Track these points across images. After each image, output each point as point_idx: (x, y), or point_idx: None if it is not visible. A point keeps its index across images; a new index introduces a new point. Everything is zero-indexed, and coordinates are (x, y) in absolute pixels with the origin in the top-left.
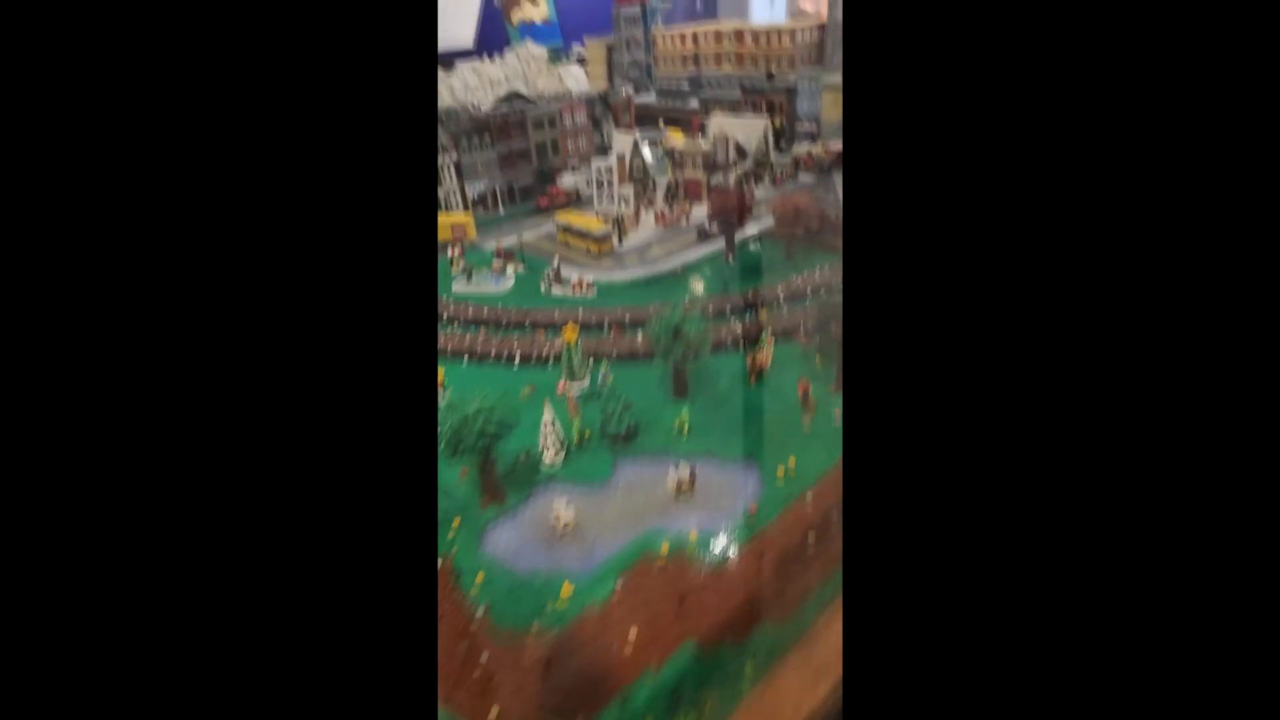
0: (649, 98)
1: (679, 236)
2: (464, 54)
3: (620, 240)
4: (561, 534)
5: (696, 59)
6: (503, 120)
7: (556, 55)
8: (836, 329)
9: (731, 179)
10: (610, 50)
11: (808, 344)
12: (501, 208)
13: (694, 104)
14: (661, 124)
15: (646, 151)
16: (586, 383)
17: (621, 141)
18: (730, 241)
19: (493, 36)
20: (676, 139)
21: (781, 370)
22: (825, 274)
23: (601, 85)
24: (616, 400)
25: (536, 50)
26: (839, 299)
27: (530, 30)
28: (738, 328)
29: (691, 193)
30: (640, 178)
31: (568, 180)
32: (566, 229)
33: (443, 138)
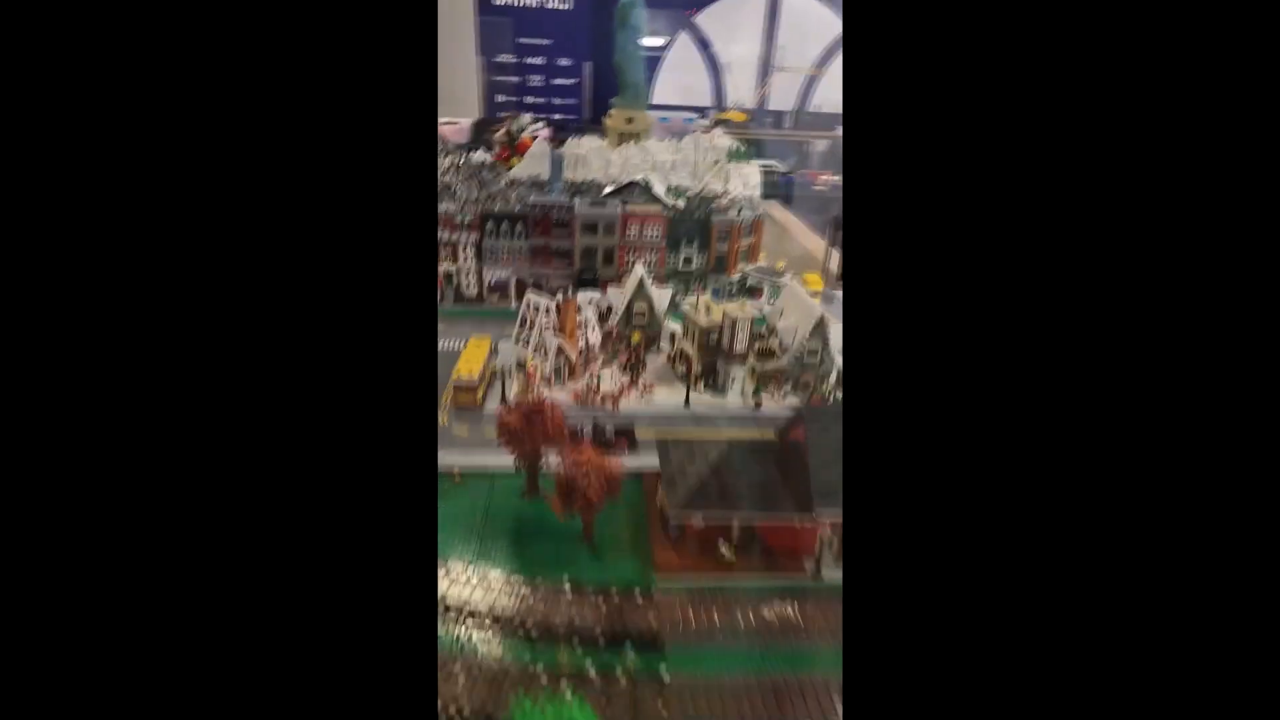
0: None
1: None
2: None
3: (505, 395)
4: None
5: None
6: (543, 215)
7: (740, 153)
8: None
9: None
10: None
11: None
12: (514, 302)
13: None
14: (782, 266)
15: (657, 295)
16: None
17: (633, 274)
18: (532, 480)
19: None
20: (813, 283)
21: None
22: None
23: None
24: None
25: (721, 142)
26: None
27: None
28: None
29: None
30: (640, 326)
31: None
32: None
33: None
